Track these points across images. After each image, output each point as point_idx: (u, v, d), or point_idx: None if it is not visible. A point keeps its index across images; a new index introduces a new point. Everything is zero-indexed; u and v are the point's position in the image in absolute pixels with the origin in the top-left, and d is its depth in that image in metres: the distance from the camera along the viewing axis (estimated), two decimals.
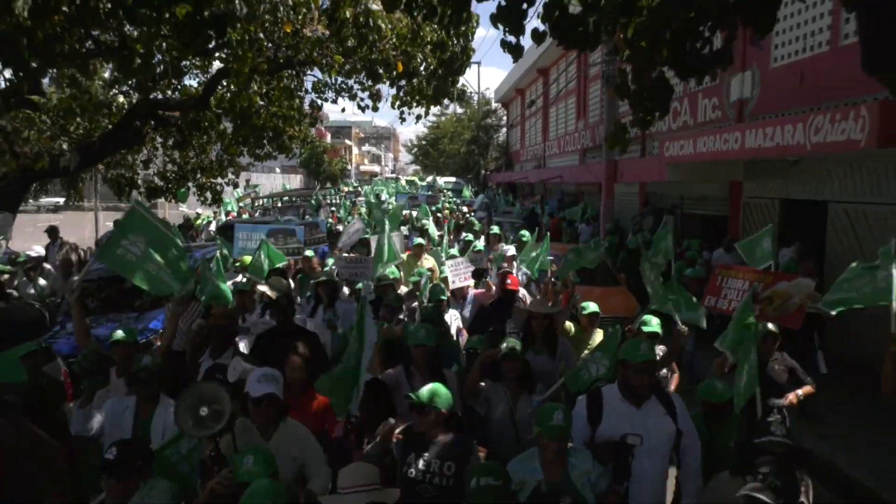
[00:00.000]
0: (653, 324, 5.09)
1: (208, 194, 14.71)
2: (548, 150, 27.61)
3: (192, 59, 11.29)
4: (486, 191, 34.47)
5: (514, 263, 8.21)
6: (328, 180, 46.48)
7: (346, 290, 7.51)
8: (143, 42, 6.27)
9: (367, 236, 9.93)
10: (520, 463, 3.20)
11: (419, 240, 9.64)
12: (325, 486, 3.40)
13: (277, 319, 5.36)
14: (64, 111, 10.88)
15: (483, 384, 4.27)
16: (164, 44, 6.60)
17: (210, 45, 7.00)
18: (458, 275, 7.10)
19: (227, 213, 20.91)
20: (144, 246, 4.60)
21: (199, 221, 19.67)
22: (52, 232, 12.36)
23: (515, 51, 4.50)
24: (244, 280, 7.31)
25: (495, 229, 11.34)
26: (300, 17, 7.61)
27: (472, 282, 7.28)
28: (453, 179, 39.84)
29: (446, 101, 11.52)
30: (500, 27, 4.29)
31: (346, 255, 7.50)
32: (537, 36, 4.59)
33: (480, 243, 10.19)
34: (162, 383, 4.04)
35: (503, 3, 4.15)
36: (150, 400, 3.97)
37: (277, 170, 41.93)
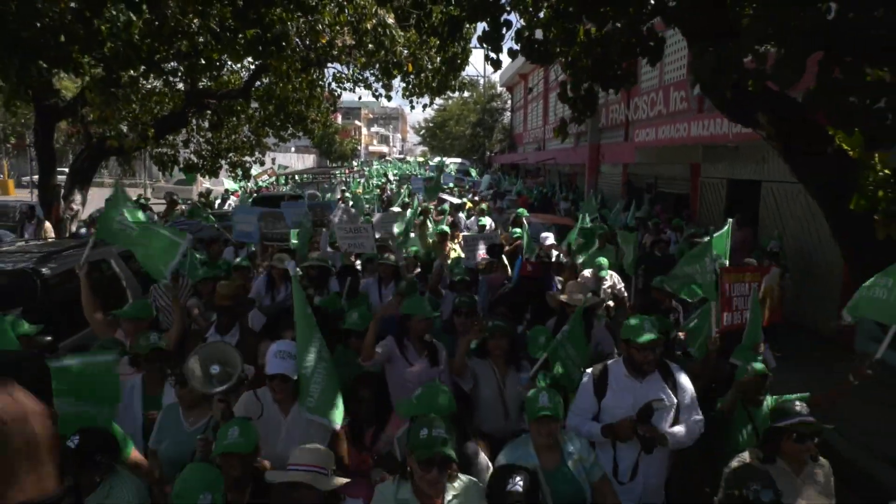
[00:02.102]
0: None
1: (239, 170, 16.82)
2: (547, 134, 29.36)
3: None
4: (490, 171, 36.06)
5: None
6: (339, 160, 48.48)
7: (357, 261, 7.28)
8: (218, 53, 8.34)
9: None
10: (513, 449, 3.12)
11: (444, 227, 9.05)
12: None
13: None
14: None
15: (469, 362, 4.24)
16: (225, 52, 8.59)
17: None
18: (472, 251, 6.77)
19: (259, 189, 22.70)
20: (136, 230, 4.80)
21: (212, 197, 21.42)
22: (29, 211, 12.34)
23: (496, 64, 6.49)
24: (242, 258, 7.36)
25: (483, 220, 11.47)
26: (333, 31, 9.54)
27: (485, 257, 7.01)
28: (459, 160, 41.53)
29: (453, 84, 13.49)
30: (485, 46, 6.26)
31: (346, 226, 7.25)
32: (511, 53, 6.59)
33: (488, 221, 11.53)
34: (171, 362, 3.86)
35: (486, 29, 6.10)
36: (159, 378, 3.83)
37: (293, 149, 44.00)
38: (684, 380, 3.53)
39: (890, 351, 3.55)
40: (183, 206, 17.63)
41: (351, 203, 14.79)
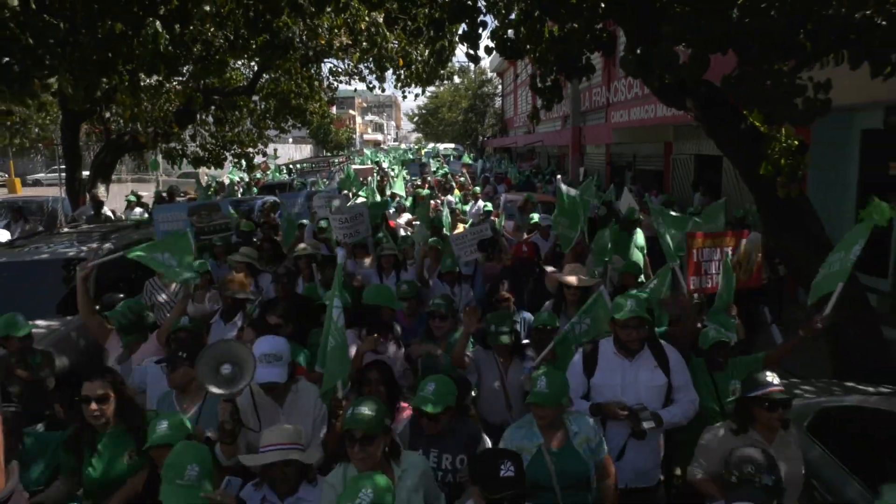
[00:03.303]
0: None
1: (243, 161, 17.92)
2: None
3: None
4: (484, 155, 36.95)
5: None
6: (335, 149, 49.45)
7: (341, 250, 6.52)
8: (231, 57, 9.41)
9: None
10: (518, 429, 3.13)
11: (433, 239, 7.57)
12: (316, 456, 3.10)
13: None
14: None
15: (471, 353, 4.26)
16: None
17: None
18: (463, 249, 6.50)
19: (258, 181, 23.53)
20: (172, 257, 4.71)
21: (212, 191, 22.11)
22: (16, 212, 12.23)
23: (475, 59, 7.59)
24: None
25: (488, 207, 11.23)
26: (331, 33, 10.58)
27: (478, 255, 6.64)
28: (452, 146, 42.42)
29: (442, 74, 14.52)
30: (465, 44, 7.34)
31: (339, 215, 7.09)
32: (487, 50, 7.68)
33: (480, 204, 11.83)
34: (199, 344, 3.92)
35: (465, 29, 7.18)
36: (190, 356, 3.70)
37: (290, 139, 44.99)
38: (677, 359, 3.54)
39: None
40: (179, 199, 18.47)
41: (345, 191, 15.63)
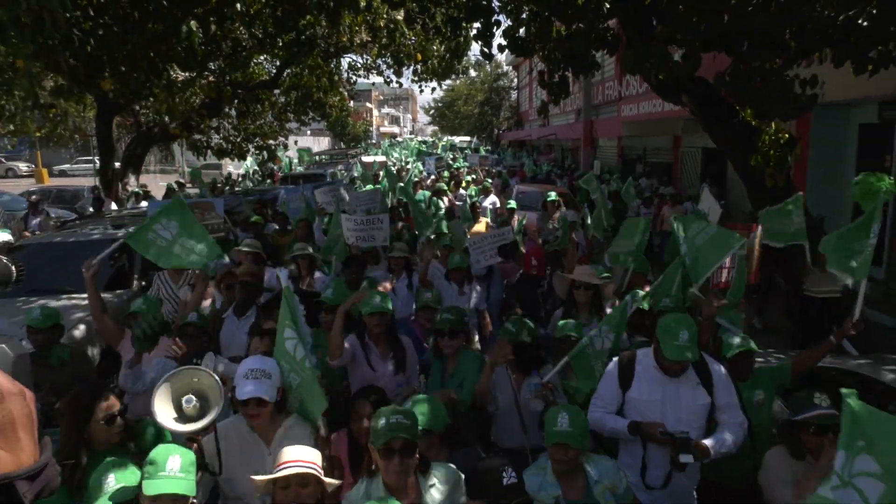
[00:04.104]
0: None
1: (265, 153, 18.58)
2: (551, 110, 30.60)
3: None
4: (499, 149, 37.26)
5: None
6: (352, 141, 50.11)
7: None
8: (258, 54, 10.03)
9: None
10: (534, 475, 2.76)
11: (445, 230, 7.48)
12: None
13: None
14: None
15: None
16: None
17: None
18: (483, 253, 5.97)
19: (272, 174, 23.97)
20: (177, 229, 4.56)
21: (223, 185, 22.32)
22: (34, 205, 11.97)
23: (488, 56, 8.09)
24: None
25: (512, 204, 10.58)
26: (352, 30, 11.12)
27: (498, 259, 6.11)
28: (468, 139, 42.82)
29: (458, 69, 14.99)
30: (479, 42, 7.85)
31: (356, 217, 6.63)
32: (500, 48, 8.17)
33: (493, 198, 11.84)
34: (210, 340, 3.83)
35: (479, 27, 7.68)
36: (197, 356, 3.62)
37: (308, 132, 45.77)
38: (721, 376, 3.17)
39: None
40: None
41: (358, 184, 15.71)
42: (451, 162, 24.10)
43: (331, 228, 7.34)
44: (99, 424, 2.67)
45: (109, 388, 2.87)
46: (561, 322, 4.15)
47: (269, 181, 21.53)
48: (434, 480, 2.55)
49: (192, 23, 7.61)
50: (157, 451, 2.31)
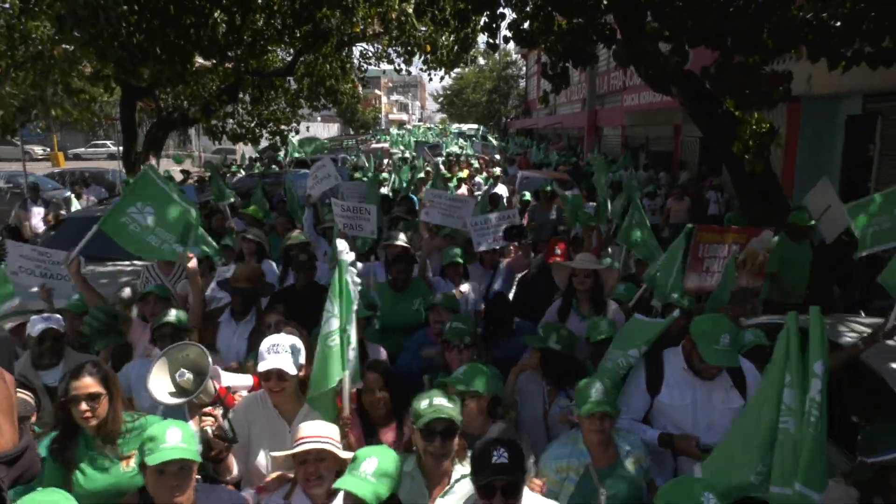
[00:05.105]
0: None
1: (278, 139, 19.17)
2: (558, 99, 31.08)
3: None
4: (507, 137, 37.61)
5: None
6: (361, 128, 50.67)
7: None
8: (275, 44, 10.61)
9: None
10: (562, 446, 2.78)
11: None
12: None
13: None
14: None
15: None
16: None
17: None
18: (485, 235, 5.57)
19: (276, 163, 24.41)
20: (155, 213, 4.20)
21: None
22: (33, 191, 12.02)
23: (494, 47, 8.64)
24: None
25: (526, 196, 10.25)
26: (365, 22, 11.65)
27: (503, 244, 5.75)
28: (476, 127, 43.19)
29: (466, 58, 15.51)
30: (485, 34, 8.40)
31: (344, 203, 6.11)
32: (505, 39, 8.72)
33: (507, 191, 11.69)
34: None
35: (486, 20, 8.22)
36: None
37: (318, 118, 46.35)
38: (755, 378, 2.99)
39: None
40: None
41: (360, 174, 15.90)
42: (457, 150, 24.49)
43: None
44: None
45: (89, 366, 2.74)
46: (594, 321, 3.78)
47: (274, 167, 21.97)
48: (468, 467, 2.45)
49: (219, 14, 8.17)
50: (154, 428, 2.28)
